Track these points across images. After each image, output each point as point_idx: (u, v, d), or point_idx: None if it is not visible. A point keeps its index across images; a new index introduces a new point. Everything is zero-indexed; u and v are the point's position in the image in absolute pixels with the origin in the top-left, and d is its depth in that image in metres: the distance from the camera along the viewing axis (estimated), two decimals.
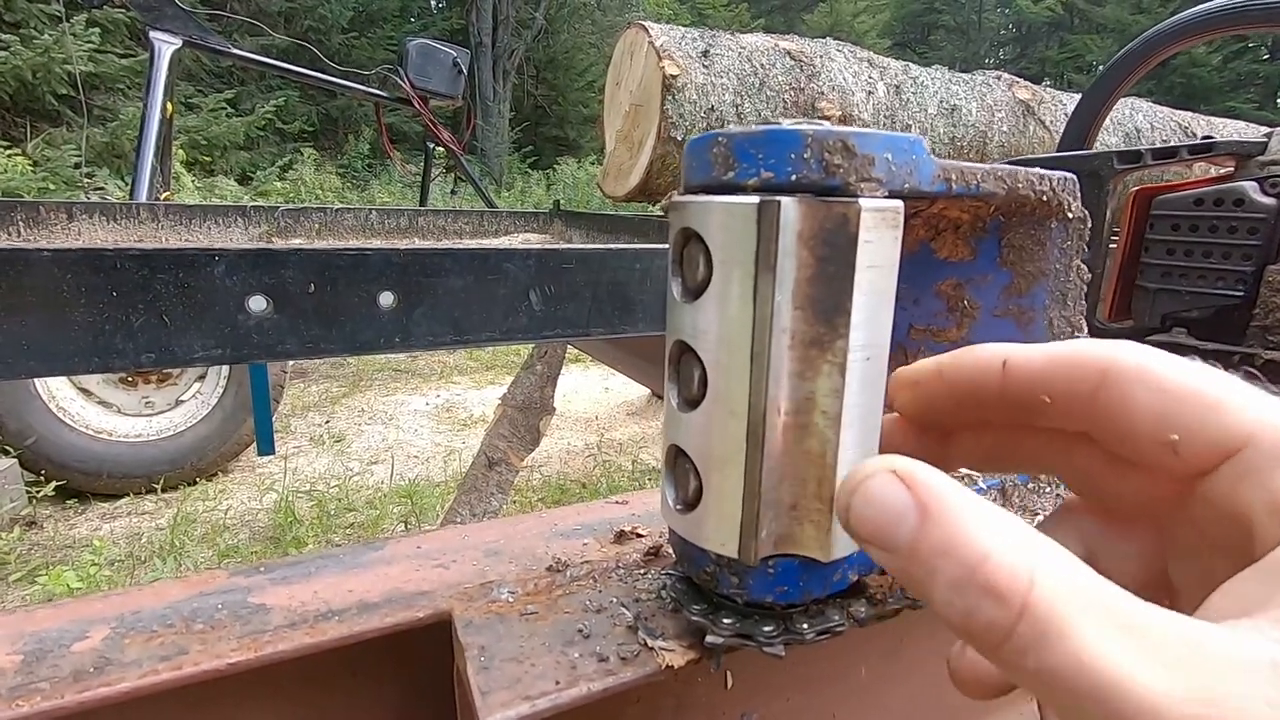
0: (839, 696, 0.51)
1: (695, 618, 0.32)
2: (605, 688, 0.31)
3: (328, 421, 3.75)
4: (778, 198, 0.26)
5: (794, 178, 0.26)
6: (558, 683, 0.31)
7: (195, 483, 2.88)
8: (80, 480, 2.69)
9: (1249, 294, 0.77)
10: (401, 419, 3.85)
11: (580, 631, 0.34)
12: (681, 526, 0.31)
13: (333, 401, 4.07)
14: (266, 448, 2.57)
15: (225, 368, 2.92)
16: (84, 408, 2.74)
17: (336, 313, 0.84)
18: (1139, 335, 0.89)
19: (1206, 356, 0.81)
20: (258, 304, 0.79)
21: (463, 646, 0.33)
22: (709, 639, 0.31)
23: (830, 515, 0.29)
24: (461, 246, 0.91)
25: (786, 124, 0.27)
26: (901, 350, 0.42)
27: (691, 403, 0.29)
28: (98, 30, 6.83)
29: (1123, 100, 2.88)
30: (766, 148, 0.27)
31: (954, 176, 0.31)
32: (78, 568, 2.25)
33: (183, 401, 2.92)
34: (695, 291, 0.28)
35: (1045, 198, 0.36)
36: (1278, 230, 0.76)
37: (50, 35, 6.47)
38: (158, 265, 0.74)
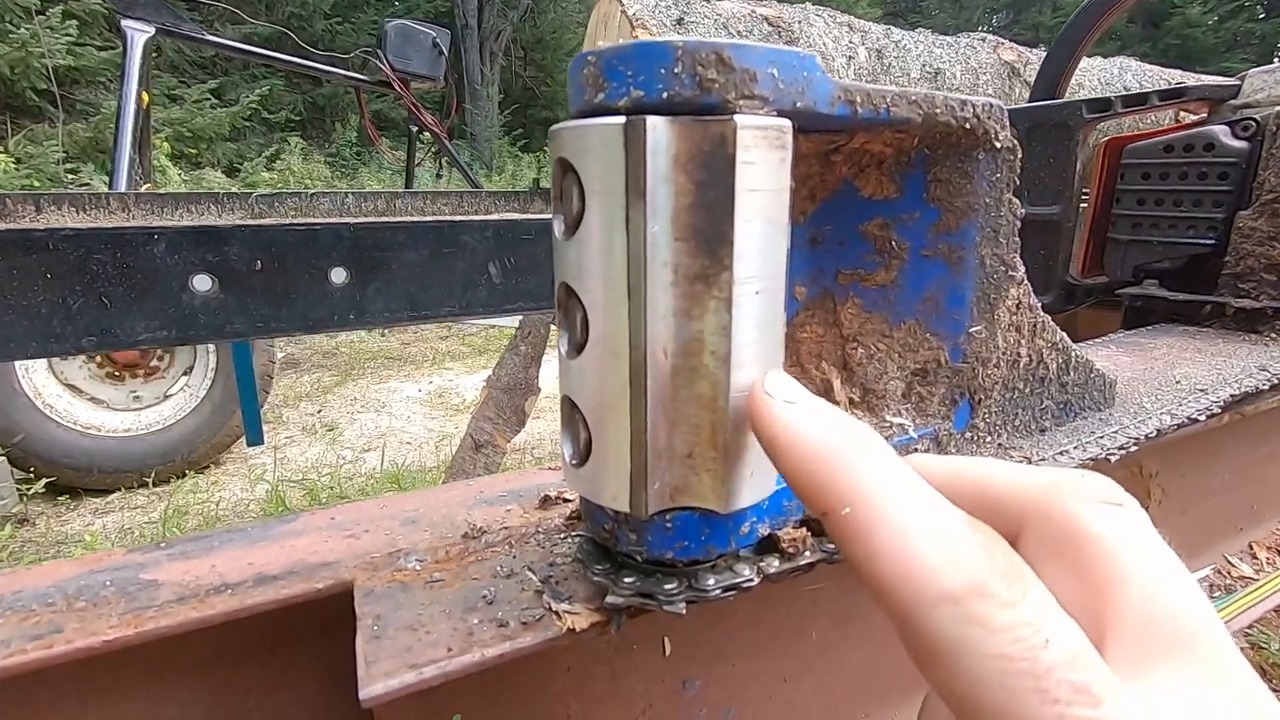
0: (788, 662, 0.50)
1: (597, 578, 0.30)
2: (500, 654, 0.29)
3: (320, 411, 3.74)
4: (645, 117, 0.24)
5: (665, 95, 0.24)
6: (450, 650, 0.29)
7: (186, 475, 2.87)
8: (71, 476, 2.68)
9: (1220, 242, 0.75)
10: (394, 406, 3.84)
11: (484, 598, 0.32)
12: (578, 482, 0.30)
13: (325, 391, 4.06)
14: (255, 438, 2.56)
15: (213, 359, 2.90)
16: (71, 404, 2.73)
17: (286, 290, 0.82)
18: (1111, 289, 0.87)
19: (1178, 307, 0.79)
20: (202, 283, 0.77)
21: (358, 616, 0.31)
22: (608, 599, 0.29)
23: (726, 464, 0.27)
24: (416, 220, 0.89)
25: (659, 38, 0.25)
26: (829, 297, 0.40)
27: (577, 348, 0.27)
28: (75, 23, 6.71)
29: (1113, 59, 2.83)
30: (635, 64, 0.24)
31: (859, 99, 0.29)
32: None
33: (171, 395, 2.90)
34: (572, 227, 0.26)
35: (969, 125, 0.34)
36: (1249, 175, 0.73)
37: (27, 29, 6.36)
38: (93, 245, 0.72)
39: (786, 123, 0.25)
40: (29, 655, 0.29)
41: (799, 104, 0.27)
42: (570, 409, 0.29)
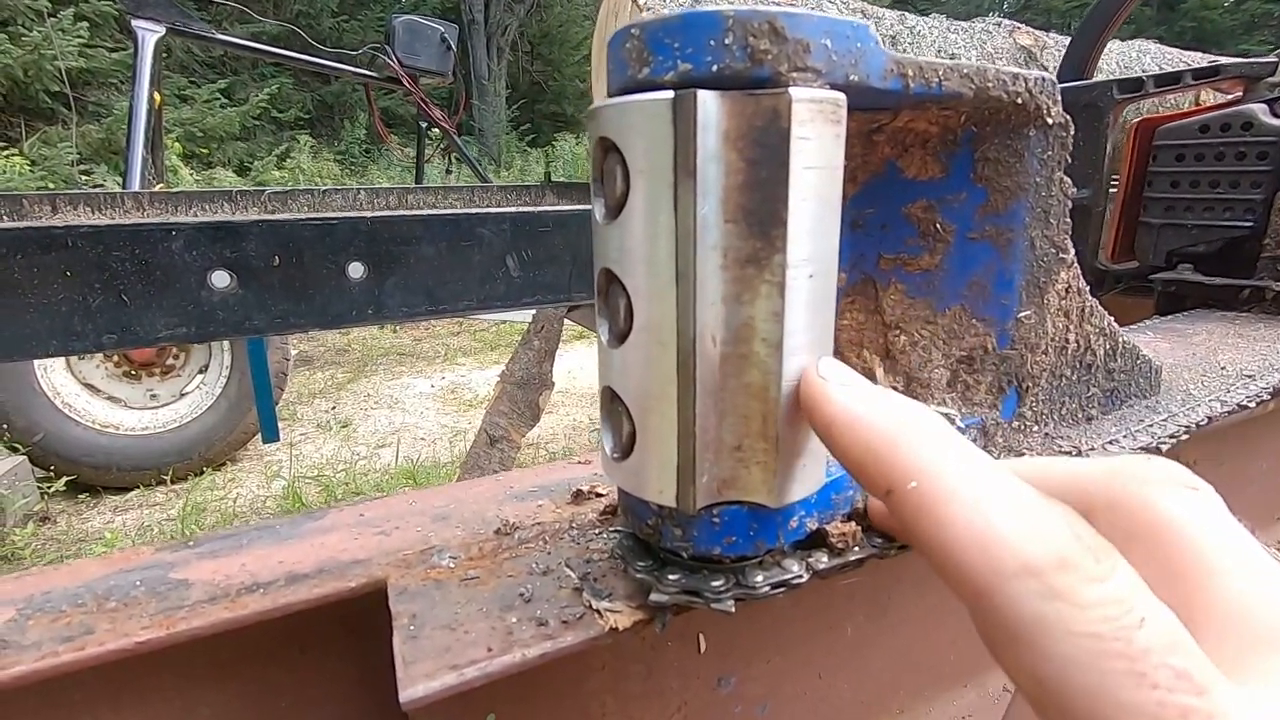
0: (823, 657, 0.49)
1: (640, 575, 0.29)
2: (542, 653, 0.28)
3: (334, 407, 3.75)
4: (694, 91, 0.22)
5: (715, 68, 0.23)
6: (490, 650, 0.28)
7: (204, 472, 2.89)
8: (90, 475, 2.70)
9: (1259, 223, 0.73)
10: (407, 402, 3.85)
11: (522, 596, 0.32)
12: (620, 476, 0.28)
13: (338, 387, 4.07)
14: (271, 435, 2.57)
15: (228, 357, 2.92)
16: (90, 403, 2.75)
17: (304, 286, 0.81)
18: (1143, 275, 0.85)
19: (1214, 292, 0.77)
20: (220, 279, 0.76)
21: (393, 615, 0.31)
22: (653, 597, 0.28)
23: (777, 456, 0.26)
24: (433, 213, 0.88)
25: (707, 7, 0.23)
26: (870, 283, 0.38)
27: (620, 337, 0.26)
28: (86, 25, 6.75)
29: (1131, 43, 2.78)
30: (683, 35, 0.23)
31: (911, 73, 0.28)
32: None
33: (187, 393, 2.92)
34: (615, 210, 0.25)
35: (1020, 100, 0.32)
36: None
37: (39, 32, 6.40)
38: (112, 242, 0.71)
39: (842, 96, 0.24)
40: (60, 658, 0.28)
41: (852, 77, 0.25)
42: (611, 400, 0.28)
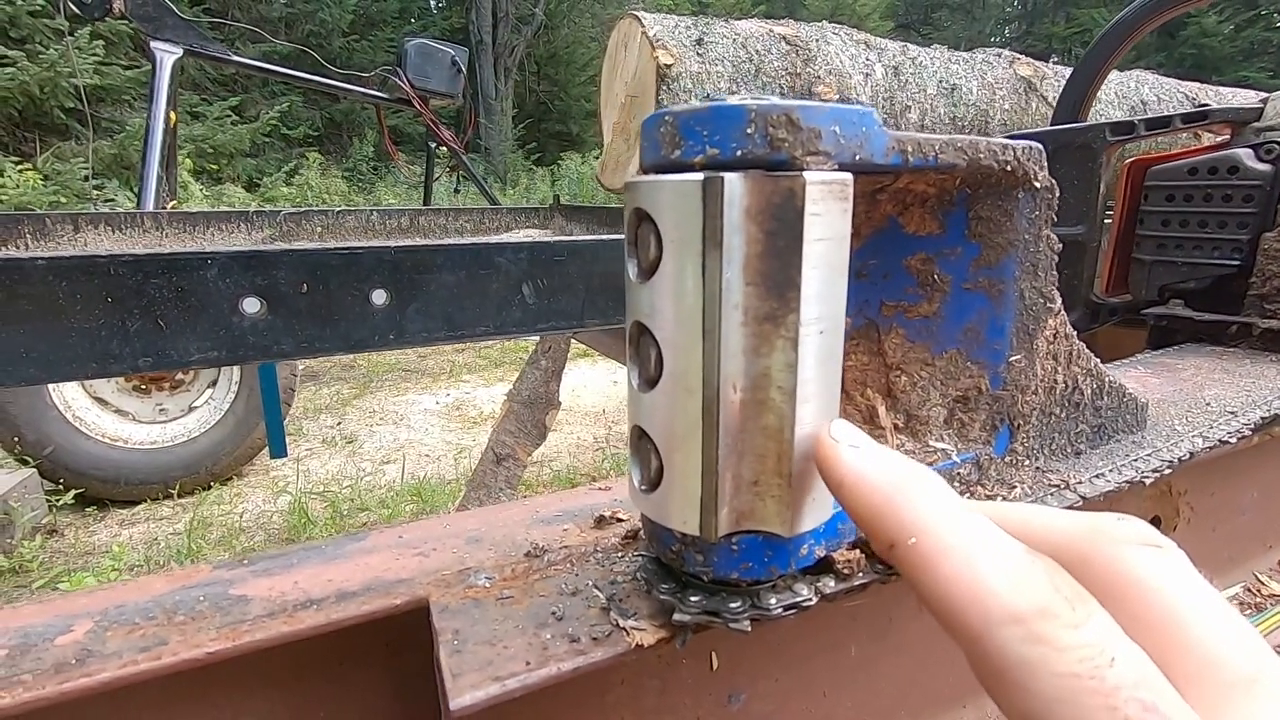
0: (829, 676, 0.51)
1: (664, 596, 0.32)
2: (575, 667, 0.31)
3: (339, 423, 3.78)
4: (721, 174, 0.26)
5: (739, 153, 0.26)
6: (528, 663, 0.31)
7: (210, 487, 2.91)
8: (98, 488, 2.73)
9: (1245, 263, 0.76)
10: (412, 418, 3.88)
11: (554, 614, 0.34)
12: (647, 506, 0.32)
13: (344, 403, 4.10)
14: (279, 450, 2.60)
15: (236, 373, 2.95)
16: (100, 416, 2.78)
17: (330, 312, 0.84)
18: (1136, 309, 0.88)
19: (1204, 327, 0.80)
20: (251, 305, 0.80)
21: (437, 631, 0.33)
22: (676, 617, 0.31)
23: (790, 490, 0.29)
24: (453, 242, 0.92)
25: (732, 100, 0.27)
26: (874, 327, 0.42)
27: (650, 382, 0.30)
28: (102, 43, 6.88)
29: (1129, 73, 2.83)
30: (711, 124, 0.27)
31: (910, 148, 0.31)
32: (98, 573, 2.29)
33: (196, 407, 2.96)
34: (648, 271, 0.28)
35: (1010, 167, 0.35)
36: (1274, 197, 0.75)
37: (56, 50, 6.53)
38: (151, 270, 0.75)
39: (849, 176, 0.27)
40: (140, 666, 0.31)
41: (858, 156, 0.29)
42: (640, 437, 0.31)
